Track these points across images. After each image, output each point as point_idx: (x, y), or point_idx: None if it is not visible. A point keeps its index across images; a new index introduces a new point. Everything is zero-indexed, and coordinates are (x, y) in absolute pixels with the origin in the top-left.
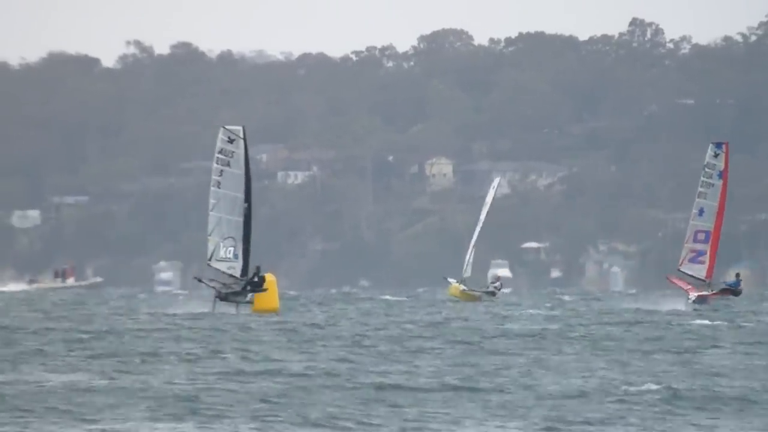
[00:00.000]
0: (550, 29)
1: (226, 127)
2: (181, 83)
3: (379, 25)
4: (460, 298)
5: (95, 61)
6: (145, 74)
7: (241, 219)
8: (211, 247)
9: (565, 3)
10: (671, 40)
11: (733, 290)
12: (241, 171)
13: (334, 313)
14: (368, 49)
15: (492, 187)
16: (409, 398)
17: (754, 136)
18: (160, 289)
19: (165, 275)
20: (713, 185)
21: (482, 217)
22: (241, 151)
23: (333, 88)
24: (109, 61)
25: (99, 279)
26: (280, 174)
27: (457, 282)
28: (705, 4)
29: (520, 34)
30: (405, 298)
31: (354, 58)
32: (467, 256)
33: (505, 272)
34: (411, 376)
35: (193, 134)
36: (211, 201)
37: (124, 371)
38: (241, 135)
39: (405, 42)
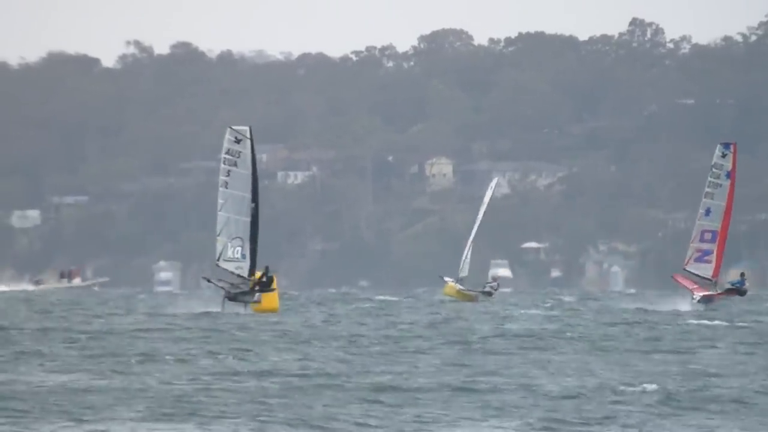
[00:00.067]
0: (550, 29)
1: (233, 127)
2: (180, 83)
3: (379, 25)
4: (456, 297)
5: (95, 61)
6: (145, 74)
7: (248, 219)
8: (219, 247)
9: (565, 3)
10: (671, 40)
11: (738, 290)
12: (248, 171)
13: (332, 314)
14: (368, 49)
15: (490, 187)
16: (406, 399)
17: (754, 136)
18: (159, 289)
19: (164, 275)
20: (721, 185)
21: (479, 216)
22: (248, 151)
23: (333, 88)
24: (108, 61)
25: (105, 279)
26: (280, 174)
27: (454, 281)
28: (705, 4)
29: (520, 34)
30: (399, 299)
31: (354, 58)
32: (464, 256)
33: (505, 272)
34: (409, 377)
35: (192, 134)
36: (219, 201)
37: (122, 371)
38: (248, 135)
39: (405, 42)
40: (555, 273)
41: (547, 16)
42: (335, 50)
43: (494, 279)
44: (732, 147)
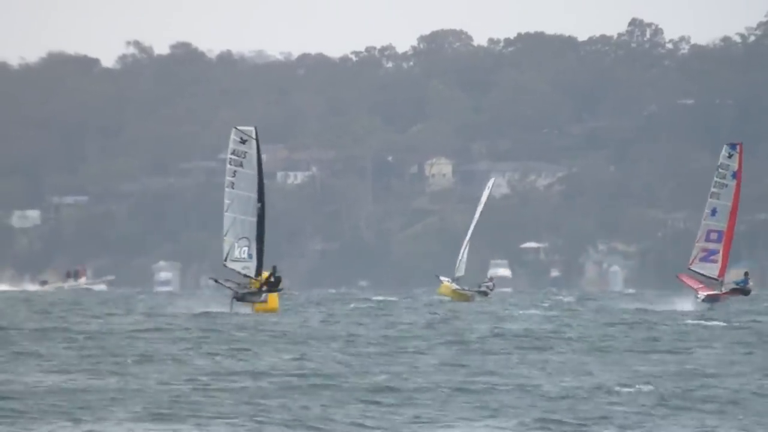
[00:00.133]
0: (549, 29)
1: (239, 127)
2: (180, 83)
3: (378, 25)
4: (452, 297)
5: (95, 62)
6: (145, 74)
7: (254, 219)
8: (226, 247)
9: (564, 3)
10: (670, 41)
11: (743, 289)
12: (254, 171)
13: (331, 314)
14: (368, 49)
15: (487, 187)
16: (404, 399)
17: (753, 137)
18: (159, 289)
19: (164, 275)
20: (727, 185)
21: (476, 216)
22: (254, 152)
23: (333, 88)
24: (108, 61)
25: (112, 277)
26: (279, 174)
27: (450, 281)
28: (704, 4)
29: (520, 34)
30: (398, 299)
31: (354, 58)
32: (460, 255)
33: (504, 272)
34: (405, 377)
35: (192, 134)
36: (226, 202)
37: (119, 372)
38: (254, 135)
39: (405, 42)
40: (554, 273)
41: (547, 17)
42: (335, 50)
43: (490, 279)
44: (738, 147)
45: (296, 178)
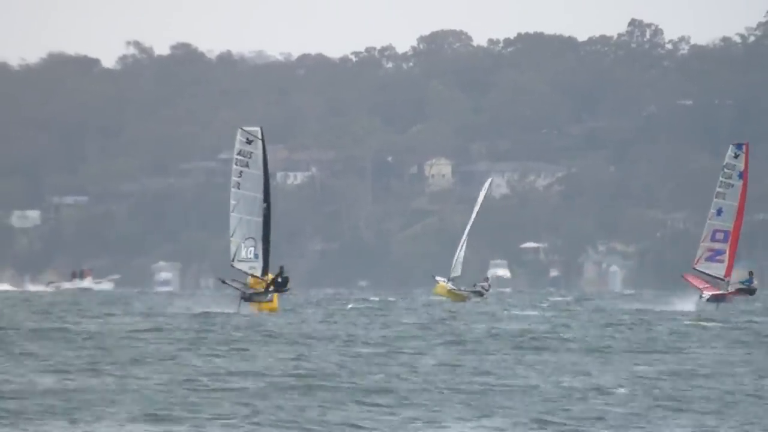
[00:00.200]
0: (549, 30)
1: (244, 128)
2: (180, 84)
3: (378, 25)
4: (447, 297)
5: (95, 62)
6: (145, 75)
7: (260, 219)
8: (233, 248)
9: (564, 3)
10: (670, 41)
11: (748, 289)
12: (260, 171)
13: (329, 314)
14: (368, 49)
15: (483, 187)
16: (401, 400)
17: (752, 137)
18: (159, 289)
19: (164, 275)
20: (733, 185)
21: (473, 216)
22: (260, 152)
23: (332, 88)
24: (108, 61)
25: (117, 276)
26: (279, 174)
27: (446, 281)
28: (704, 4)
29: (519, 34)
30: (396, 299)
31: (353, 58)
32: (456, 255)
33: (504, 272)
34: (402, 377)
35: (192, 134)
36: (232, 202)
37: (117, 372)
38: (259, 136)
39: (404, 43)
40: (554, 273)
41: (546, 17)
42: (335, 51)
43: (486, 279)
44: (744, 147)
45: (296, 178)
